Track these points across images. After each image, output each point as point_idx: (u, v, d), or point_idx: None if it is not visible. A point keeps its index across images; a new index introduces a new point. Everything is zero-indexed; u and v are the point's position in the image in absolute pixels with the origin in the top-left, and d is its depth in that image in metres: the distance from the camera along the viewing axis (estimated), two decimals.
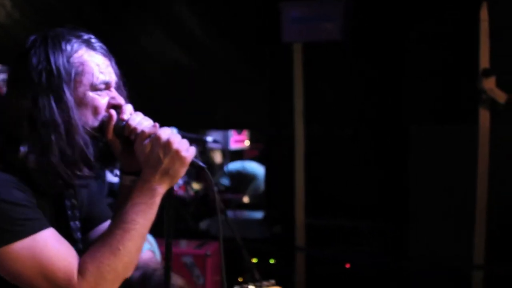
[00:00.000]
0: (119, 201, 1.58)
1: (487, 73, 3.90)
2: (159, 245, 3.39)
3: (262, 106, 4.70)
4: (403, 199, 4.09)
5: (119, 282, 1.49)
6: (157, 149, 1.49)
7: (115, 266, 1.45)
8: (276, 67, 4.65)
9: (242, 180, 6.85)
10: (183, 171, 1.51)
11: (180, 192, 6.08)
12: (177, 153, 1.49)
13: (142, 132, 1.52)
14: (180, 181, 6.44)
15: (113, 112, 1.55)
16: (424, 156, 3.96)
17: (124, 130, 1.54)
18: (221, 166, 7.58)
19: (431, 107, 4.10)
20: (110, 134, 1.55)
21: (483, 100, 3.88)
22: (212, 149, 7.94)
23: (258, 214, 5.21)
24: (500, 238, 3.73)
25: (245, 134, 7.94)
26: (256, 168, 6.80)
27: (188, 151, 1.51)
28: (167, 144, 1.49)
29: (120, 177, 1.61)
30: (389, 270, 4.18)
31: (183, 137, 1.55)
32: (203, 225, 4.99)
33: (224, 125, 5.78)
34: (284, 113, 4.53)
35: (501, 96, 3.87)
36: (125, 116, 1.55)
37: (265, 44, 4.63)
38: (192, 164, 1.54)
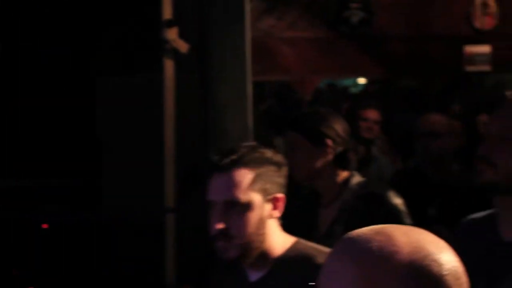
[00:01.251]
0: None
1: (170, 24, 4.01)
2: None
3: None
4: (96, 152, 4.07)
5: None
6: None
7: None
8: None
9: None
10: None
11: None
12: None
13: None
14: None
15: None
16: (112, 108, 3.98)
17: None
18: None
19: (118, 58, 4.11)
20: None
21: (167, 50, 3.99)
22: None
23: None
24: (186, 181, 3.95)
25: None
26: None
27: None
28: None
29: None
30: (88, 225, 4.17)
31: None
32: None
33: None
34: None
35: (183, 46, 4.02)
36: None
37: None
38: None
